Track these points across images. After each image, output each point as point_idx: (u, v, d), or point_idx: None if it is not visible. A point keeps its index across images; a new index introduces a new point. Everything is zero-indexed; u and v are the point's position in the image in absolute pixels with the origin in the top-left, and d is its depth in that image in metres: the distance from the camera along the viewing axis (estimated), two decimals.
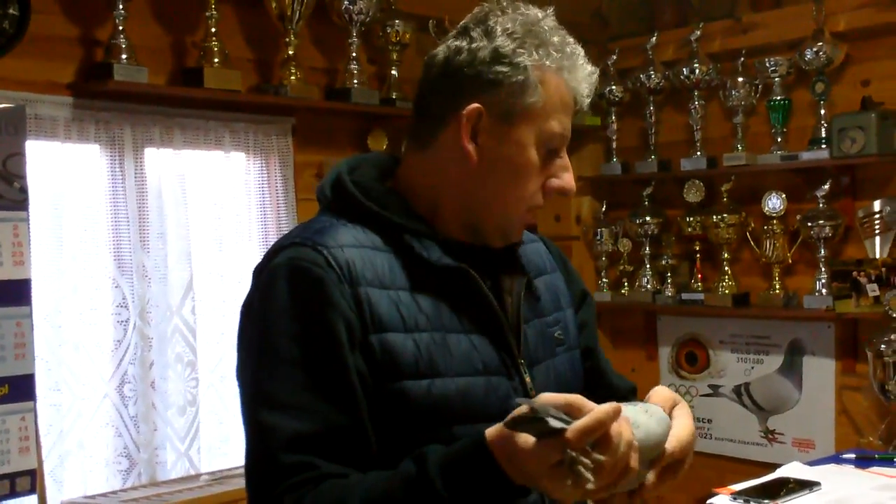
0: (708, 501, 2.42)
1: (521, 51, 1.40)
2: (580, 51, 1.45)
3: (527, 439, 1.15)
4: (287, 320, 1.33)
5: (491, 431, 1.20)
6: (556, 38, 1.43)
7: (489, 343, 1.41)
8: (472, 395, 1.37)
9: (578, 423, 1.13)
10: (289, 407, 1.29)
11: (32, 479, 2.59)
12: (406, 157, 1.51)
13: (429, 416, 1.34)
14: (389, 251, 1.40)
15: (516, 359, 1.44)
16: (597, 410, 1.15)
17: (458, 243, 1.45)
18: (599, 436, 1.15)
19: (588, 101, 1.46)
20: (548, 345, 1.52)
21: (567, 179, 1.44)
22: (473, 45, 1.41)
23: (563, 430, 1.13)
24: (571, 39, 1.46)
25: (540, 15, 1.44)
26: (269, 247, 1.46)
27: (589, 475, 1.13)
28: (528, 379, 1.44)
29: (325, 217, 1.45)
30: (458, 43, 1.43)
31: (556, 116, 1.42)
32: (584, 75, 1.44)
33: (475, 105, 1.40)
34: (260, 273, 1.41)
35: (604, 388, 1.59)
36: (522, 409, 1.15)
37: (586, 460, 1.13)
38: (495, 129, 1.41)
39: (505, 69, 1.39)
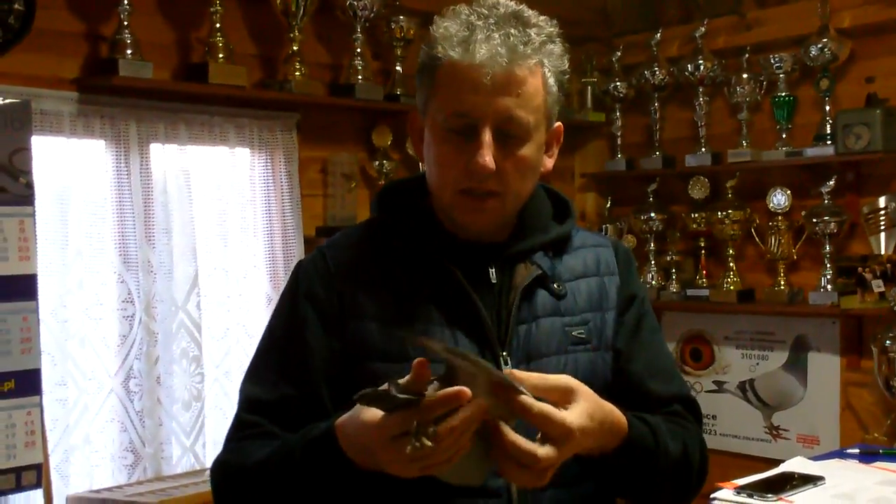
0: (712, 496, 2.41)
1: (425, 48, 1.47)
2: (486, 20, 1.40)
3: (374, 413, 1.24)
4: (277, 309, 1.56)
5: (345, 416, 1.32)
6: (462, 17, 1.43)
7: (466, 336, 1.45)
8: None
9: (435, 396, 1.17)
10: (260, 379, 1.50)
11: (38, 474, 2.61)
12: None
13: None
14: (388, 255, 1.50)
15: (496, 350, 1.45)
16: (450, 389, 1.18)
17: (465, 241, 1.49)
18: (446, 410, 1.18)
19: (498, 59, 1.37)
20: (561, 342, 1.50)
21: (476, 156, 1.38)
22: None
23: (416, 402, 1.18)
24: (477, 17, 1.41)
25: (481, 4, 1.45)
26: (273, 242, 1.59)
27: (429, 443, 1.17)
28: (507, 370, 1.43)
29: (359, 223, 1.64)
30: None
31: (454, 97, 1.40)
32: (479, 39, 1.38)
33: (412, 113, 1.53)
34: None
35: (640, 394, 1.52)
36: (383, 387, 1.20)
37: (430, 430, 1.18)
38: (423, 126, 1.50)
39: (418, 75, 1.49)
